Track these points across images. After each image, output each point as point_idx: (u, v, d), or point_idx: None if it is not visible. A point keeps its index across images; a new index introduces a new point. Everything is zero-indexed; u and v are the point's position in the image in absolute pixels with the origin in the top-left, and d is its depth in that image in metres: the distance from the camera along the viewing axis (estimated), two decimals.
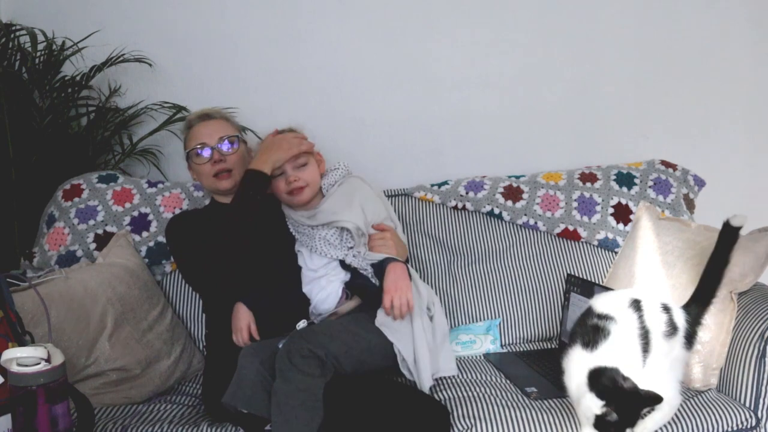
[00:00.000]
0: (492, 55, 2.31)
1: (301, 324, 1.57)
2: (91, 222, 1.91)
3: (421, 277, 1.84)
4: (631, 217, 2.06)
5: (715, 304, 1.54)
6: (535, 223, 2.08)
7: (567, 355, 1.35)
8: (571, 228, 2.07)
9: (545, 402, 1.47)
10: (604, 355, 1.27)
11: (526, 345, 1.93)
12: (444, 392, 1.57)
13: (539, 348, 1.90)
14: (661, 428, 1.40)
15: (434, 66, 2.30)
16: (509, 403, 1.47)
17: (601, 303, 1.38)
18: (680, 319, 1.35)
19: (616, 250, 2.04)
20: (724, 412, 1.43)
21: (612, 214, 2.07)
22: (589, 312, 1.37)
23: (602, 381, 1.22)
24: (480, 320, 1.95)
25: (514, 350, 1.89)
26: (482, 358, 1.84)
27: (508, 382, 1.63)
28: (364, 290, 1.59)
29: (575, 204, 2.09)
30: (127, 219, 1.93)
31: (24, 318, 1.29)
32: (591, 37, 2.34)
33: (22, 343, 1.18)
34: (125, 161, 2.19)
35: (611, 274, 1.95)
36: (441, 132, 2.33)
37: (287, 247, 1.71)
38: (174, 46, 2.22)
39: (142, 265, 1.86)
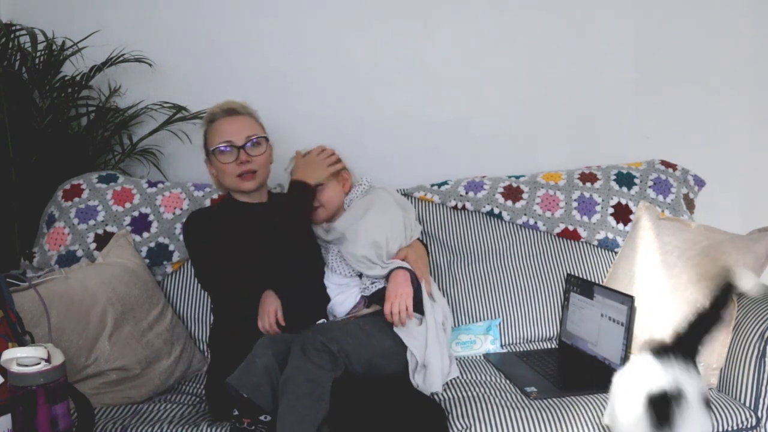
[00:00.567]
0: (492, 55, 2.31)
1: (319, 322, 1.60)
2: (91, 222, 1.91)
3: None
4: (631, 217, 2.06)
5: None
6: (535, 223, 2.08)
7: None
8: (571, 228, 2.07)
9: (545, 401, 1.47)
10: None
11: (526, 345, 1.93)
12: (443, 392, 1.57)
13: (539, 348, 1.90)
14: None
15: (434, 66, 2.30)
16: (508, 403, 1.47)
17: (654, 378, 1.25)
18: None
19: (616, 250, 2.04)
20: (724, 412, 1.44)
21: (612, 214, 2.07)
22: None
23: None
24: (480, 320, 1.95)
25: (514, 350, 1.89)
26: (482, 358, 1.84)
27: (508, 382, 1.63)
28: (382, 297, 1.59)
29: (575, 204, 2.09)
30: (128, 219, 1.93)
31: (24, 318, 1.29)
32: (591, 36, 2.34)
33: (22, 343, 1.18)
34: (125, 161, 2.19)
35: (611, 274, 1.95)
36: (441, 132, 2.33)
37: (310, 246, 1.73)
38: (174, 46, 2.22)
39: (142, 265, 1.86)
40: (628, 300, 1.61)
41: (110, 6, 2.20)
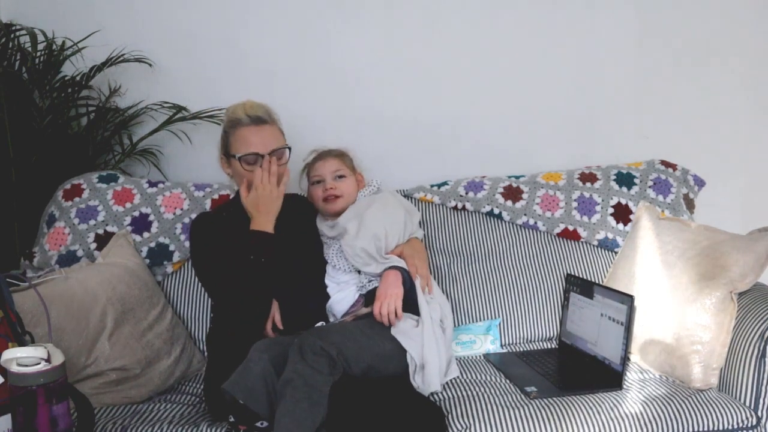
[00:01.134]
0: (492, 55, 2.31)
1: (318, 324, 1.61)
2: (92, 222, 1.91)
3: None
4: (631, 217, 2.06)
5: (716, 304, 1.55)
6: (535, 223, 2.08)
7: None
8: (571, 228, 2.07)
9: (544, 401, 1.47)
10: None
11: (526, 345, 1.93)
12: (443, 392, 1.57)
13: (539, 348, 1.90)
14: (661, 425, 1.40)
15: (434, 66, 2.30)
16: (507, 403, 1.47)
17: None
18: None
19: (616, 250, 2.04)
20: (723, 411, 1.44)
21: (612, 214, 2.07)
22: None
23: None
24: (480, 320, 1.95)
25: (514, 350, 1.89)
26: (482, 358, 1.84)
27: (508, 381, 1.63)
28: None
29: (575, 204, 2.09)
30: (128, 219, 1.93)
31: (24, 318, 1.29)
32: (591, 36, 2.34)
33: (22, 343, 1.18)
34: (125, 161, 2.19)
35: (611, 274, 1.95)
36: (441, 132, 2.33)
37: (313, 246, 1.75)
38: (174, 46, 2.22)
39: (142, 265, 1.86)
40: (627, 299, 1.61)
41: (110, 6, 2.20)
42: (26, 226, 2.01)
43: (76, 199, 1.94)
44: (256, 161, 1.64)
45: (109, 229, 1.91)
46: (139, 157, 2.21)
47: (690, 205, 2.13)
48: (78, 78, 2.07)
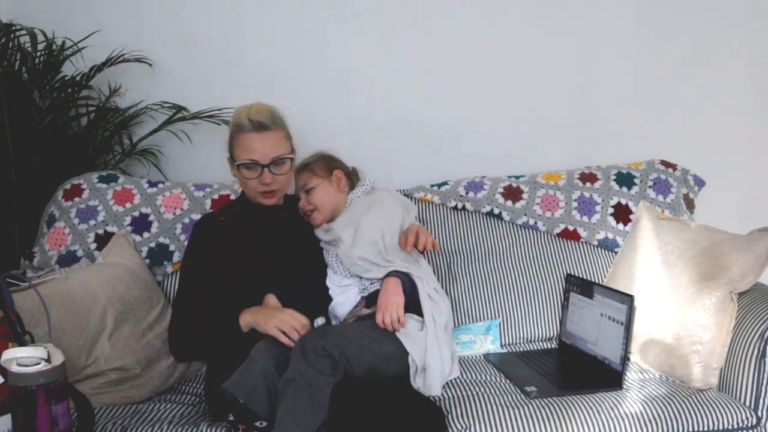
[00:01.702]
0: (492, 55, 2.31)
1: (319, 321, 1.59)
2: (92, 222, 1.91)
3: None
4: (631, 217, 2.06)
5: (716, 304, 1.55)
6: (535, 223, 2.08)
7: None
8: (571, 228, 2.07)
9: (544, 401, 1.47)
10: None
11: (526, 345, 1.93)
12: (443, 392, 1.57)
13: (539, 348, 1.90)
14: (661, 425, 1.40)
15: (434, 66, 2.30)
16: (507, 403, 1.47)
17: None
18: None
19: (616, 250, 2.04)
20: (723, 411, 1.44)
21: (612, 214, 2.07)
22: None
23: None
24: (480, 320, 1.95)
25: (514, 350, 1.89)
26: (482, 358, 1.84)
27: (508, 381, 1.63)
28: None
29: (575, 204, 2.09)
30: (128, 219, 1.93)
31: (24, 318, 1.29)
32: (591, 36, 2.34)
33: (22, 343, 1.18)
34: (125, 161, 2.19)
35: (611, 274, 1.95)
36: (441, 132, 2.33)
37: (312, 248, 1.74)
38: (174, 46, 2.22)
39: (143, 265, 1.86)
40: (627, 299, 1.61)
41: (110, 6, 2.20)
42: (26, 226, 2.01)
43: (76, 199, 1.94)
44: (255, 169, 1.62)
45: (109, 229, 1.91)
46: (139, 157, 2.21)
47: (690, 205, 2.13)
48: (78, 78, 2.07)
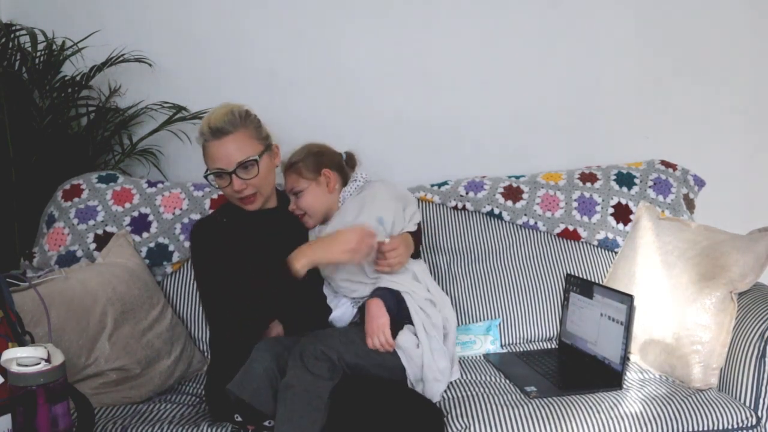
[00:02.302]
0: (492, 55, 2.31)
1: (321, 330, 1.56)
2: (91, 222, 1.91)
3: None
4: (631, 217, 2.06)
5: (716, 304, 1.55)
6: (535, 223, 2.08)
7: None
8: (571, 228, 2.07)
9: (544, 401, 1.47)
10: None
11: (526, 345, 1.93)
12: (442, 393, 1.56)
13: (539, 348, 1.90)
14: (661, 424, 1.40)
15: (434, 66, 2.30)
16: (507, 403, 1.47)
17: None
18: None
19: (616, 250, 2.04)
20: (723, 411, 1.44)
21: (612, 214, 2.07)
22: None
23: None
24: (480, 320, 1.95)
25: (514, 350, 1.89)
26: (482, 358, 1.84)
27: (508, 381, 1.63)
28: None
29: (575, 204, 2.09)
30: (127, 219, 1.93)
31: (24, 318, 1.29)
32: (591, 36, 2.34)
33: (22, 343, 1.18)
34: (125, 161, 2.19)
35: (611, 274, 1.95)
36: (441, 132, 2.32)
37: None
38: (174, 46, 2.22)
39: (142, 265, 1.86)
40: (627, 299, 1.61)
41: (110, 6, 2.20)
42: (26, 226, 2.01)
43: (76, 199, 1.94)
44: (224, 177, 1.55)
45: (109, 229, 1.91)
46: (139, 157, 2.21)
47: (690, 205, 2.13)
48: (78, 78, 2.07)
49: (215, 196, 1.99)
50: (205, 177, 1.58)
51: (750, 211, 2.39)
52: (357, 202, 1.62)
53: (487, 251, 2.05)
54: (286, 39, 2.26)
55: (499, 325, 1.94)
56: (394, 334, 1.48)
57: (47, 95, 2.01)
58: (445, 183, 2.16)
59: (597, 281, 1.93)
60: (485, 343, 1.89)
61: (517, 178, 2.18)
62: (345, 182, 1.66)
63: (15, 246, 2.00)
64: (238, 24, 2.24)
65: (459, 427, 1.39)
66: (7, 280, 1.33)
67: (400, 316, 1.51)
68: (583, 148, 2.35)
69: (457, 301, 1.97)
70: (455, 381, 1.64)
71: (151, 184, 2.01)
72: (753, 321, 1.52)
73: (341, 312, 1.61)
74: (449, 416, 1.43)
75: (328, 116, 2.27)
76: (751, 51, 2.39)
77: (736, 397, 1.50)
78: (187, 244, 1.90)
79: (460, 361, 1.77)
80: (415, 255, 1.67)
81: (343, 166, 1.67)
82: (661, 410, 1.42)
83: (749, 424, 1.44)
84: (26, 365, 1.04)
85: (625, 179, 2.13)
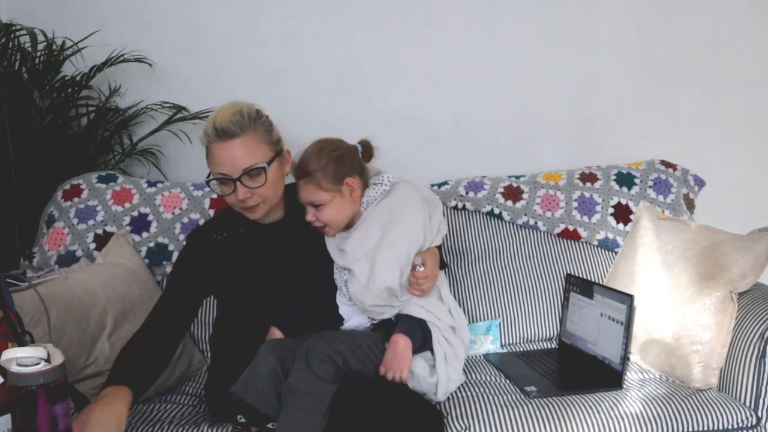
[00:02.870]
0: (492, 55, 2.31)
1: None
2: (91, 222, 1.91)
3: None
4: (631, 217, 2.06)
5: (716, 304, 1.54)
6: (535, 223, 2.08)
7: None
8: (571, 228, 2.07)
9: (544, 400, 1.47)
10: None
11: (526, 345, 1.93)
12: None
13: (539, 348, 1.90)
14: (661, 424, 1.40)
15: (434, 66, 2.30)
16: (507, 403, 1.47)
17: None
18: None
19: (616, 250, 2.04)
20: (723, 411, 1.43)
21: (612, 214, 2.07)
22: None
23: None
24: (480, 320, 1.95)
25: (514, 350, 1.89)
26: (482, 358, 1.84)
27: (508, 381, 1.63)
28: (389, 325, 1.53)
29: (575, 204, 2.09)
30: (127, 219, 1.93)
31: (24, 318, 1.29)
32: (591, 36, 2.34)
33: (22, 343, 1.18)
34: (125, 161, 2.19)
35: (611, 274, 1.95)
36: (441, 132, 2.33)
37: (322, 259, 1.55)
38: (174, 46, 2.22)
39: (142, 265, 1.86)
40: (627, 299, 1.61)
41: (110, 6, 2.20)
42: (26, 226, 2.01)
43: (75, 199, 1.94)
44: (228, 183, 1.42)
45: (108, 229, 1.91)
46: (139, 157, 2.21)
47: (690, 205, 2.13)
48: (78, 78, 2.07)
49: (215, 196, 1.99)
50: (207, 182, 1.48)
51: (750, 211, 2.39)
52: (383, 213, 1.50)
53: (487, 251, 2.05)
54: (286, 39, 2.26)
55: (499, 325, 1.94)
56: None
57: (47, 95, 2.01)
58: (445, 183, 2.16)
59: (597, 281, 1.93)
60: (485, 343, 1.89)
61: (517, 178, 2.18)
62: (366, 180, 1.55)
63: (15, 246, 2.00)
64: (239, 24, 2.24)
65: (459, 428, 1.39)
66: (7, 280, 1.33)
67: (423, 348, 1.49)
68: (583, 148, 2.35)
69: (457, 301, 1.96)
70: None
71: (150, 184, 2.01)
72: (753, 321, 1.52)
73: (355, 324, 1.56)
74: (449, 417, 1.43)
75: (328, 116, 2.27)
76: (751, 51, 2.39)
77: (736, 397, 1.50)
78: None
79: None
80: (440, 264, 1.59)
81: (362, 166, 1.54)
82: (661, 410, 1.42)
83: (749, 424, 1.44)
84: (26, 365, 1.04)
85: (625, 179, 2.13)
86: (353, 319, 1.55)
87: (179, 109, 2.16)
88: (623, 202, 2.09)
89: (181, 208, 1.96)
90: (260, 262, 1.53)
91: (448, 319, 1.53)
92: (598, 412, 1.41)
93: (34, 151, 1.98)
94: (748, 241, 1.61)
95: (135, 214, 1.94)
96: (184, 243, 1.61)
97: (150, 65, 2.18)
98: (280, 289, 1.52)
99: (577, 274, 1.95)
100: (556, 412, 1.42)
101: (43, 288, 1.53)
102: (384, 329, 1.52)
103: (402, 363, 1.43)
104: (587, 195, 2.10)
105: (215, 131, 1.42)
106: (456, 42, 2.30)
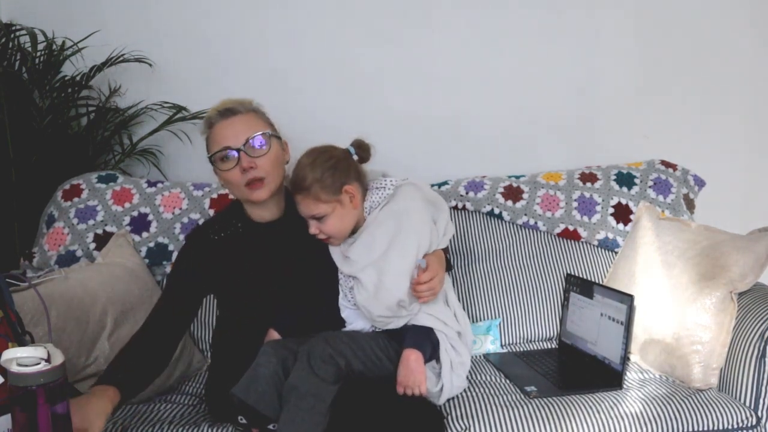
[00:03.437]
0: (492, 55, 2.32)
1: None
2: (91, 222, 1.91)
3: None
4: (631, 217, 2.06)
5: (716, 304, 1.55)
6: (535, 223, 2.08)
7: None
8: (571, 228, 2.07)
9: (544, 400, 1.47)
10: None
11: (526, 345, 1.93)
12: None
13: (539, 348, 1.90)
14: (661, 424, 1.40)
15: (434, 66, 2.30)
16: (507, 403, 1.47)
17: None
18: None
19: (616, 250, 2.04)
20: (723, 411, 1.44)
21: (612, 214, 2.07)
22: None
23: None
24: (480, 320, 1.95)
25: (514, 350, 1.89)
26: (482, 358, 1.84)
27: (508, 381, 1.63)
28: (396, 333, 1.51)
29: (575, 204, 2.09)
30: (127, 219, 1.93)
31: (24, 318, 1.29)
32: (591, 36, 2.34)
33: (22, 343, 1.18)
34: (125, 161, 2.19)
35: (611, 274, 1.95)
36: (441, 132, 2.33)
37: (323, 261, 1.53)
38: (174, 46, 2.22)
39: (142, 265, 1.86)
40: (627, 299, 1.61)
41: (110, 6, 2.20)
42: (26, 226, 2.01)
43: (75, 199, 1.94)
44: (231, 158, 1.43)
45: (108, 229, 1.91)
46: (139, 157, 2.21)
47: (690, 205, 2.13)
48: (78, 78, 2.07)
49: (215, 196, 1.99)
50: (210, 160, 1.48)
51: (750, 211, 2.39)
52: (388, 219, 1.47)
53: (487, 251, 2.05)
54: (286, 39, 2.26)
55: (499, 325, 1.94)
56: None
57: (47, 95, 2.01)
58: (445, 183, 2.16)
59: (597, 281, 1.93)
60: (485, 343, 1.89)
61: (517, 178, 2.18)
62: (365, 184, 1.52)
63: (15, 246, 2.00)
64: (239, 24, 2.24)
65: (459, 428, 1.39)
66: (7, 280, 1.33)
67: (433, 357, 1.49)
68: (583, 148, 2.36)
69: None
70: None
71: (150, 184, 2.01)
72: (753, 321, 1.52)
73: (358, 328, 1.54)
74: (449, 417, 1.43)
75: (328, 116, 2.27)
76: (751, 51, 2.39)
77: (736, 397, 1.50)
78: None
79: None
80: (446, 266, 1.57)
81: (359, 170, 1.51)
82: (661, 410, 1.42)
83: (749, 424, 1.44)
84: (26, 365, 1.04)
85: (625, 179, 2.13)
86: (356, 322, 1.53)
87: (179, 109, 2.16)
88: (623, 202, 2.09)
89: (181, 208, 1.96)
90: (259, 260, 1.53)
91: (454, 324, 1.52)
92: (598, 412, 1.41)
93: (34, 151, 1.98)
94: (748, 241, 1.61)
95: (135, 214, 1.94)
96: (183, 243, 1.62)
97: (150, 65, 2.18)
98: (279, 288, 1.52)
99: (577, 274, 1.95)
100: (556, 412, 1.42)
101: (43, 288, 1.53)
102: (386, 330, 1.51)
103: (417, 378, 1.42)
104: (587, 195, 2.10)
105: (218, 113, 1.48)
106: (456, 42, 2.30)
